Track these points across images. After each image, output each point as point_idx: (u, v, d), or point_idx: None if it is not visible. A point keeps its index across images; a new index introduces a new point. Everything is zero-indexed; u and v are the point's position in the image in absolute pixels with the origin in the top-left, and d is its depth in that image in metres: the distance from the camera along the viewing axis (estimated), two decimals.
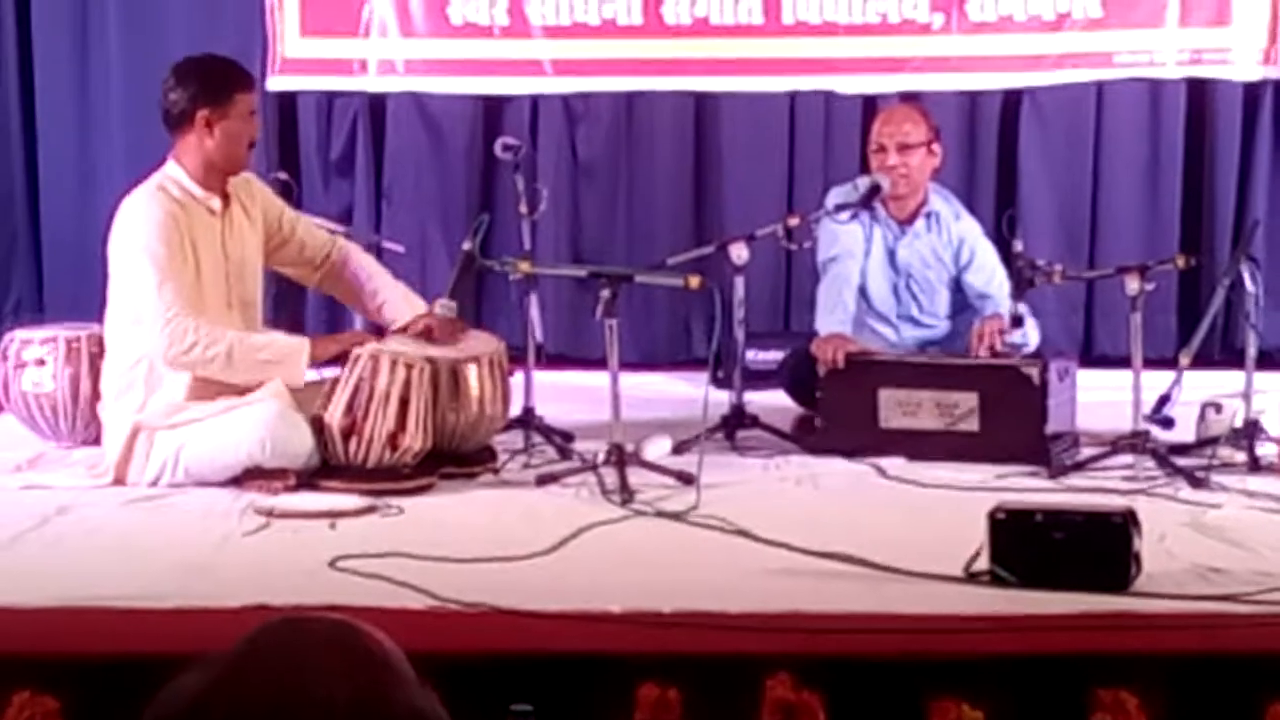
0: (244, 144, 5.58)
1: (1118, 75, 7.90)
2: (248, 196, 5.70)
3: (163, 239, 5.38)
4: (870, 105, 7.70)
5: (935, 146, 6.37)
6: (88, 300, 6.86)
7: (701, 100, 8.02)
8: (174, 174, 5.53)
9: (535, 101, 8.01)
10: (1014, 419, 5.73)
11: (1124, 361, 5.76)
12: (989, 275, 6.38)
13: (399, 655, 1.57)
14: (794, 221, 6.37)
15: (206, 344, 5.35)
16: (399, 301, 5.81)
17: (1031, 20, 7.85)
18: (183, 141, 5.53)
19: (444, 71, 7.99)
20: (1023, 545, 4.23)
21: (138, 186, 5.54)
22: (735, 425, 6.05)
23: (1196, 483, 5.35)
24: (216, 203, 5.56)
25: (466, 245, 5.94)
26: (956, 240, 6.41)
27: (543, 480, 5.47)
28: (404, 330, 5.66)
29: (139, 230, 5.41)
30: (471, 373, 5.54)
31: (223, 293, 5.54)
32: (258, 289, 5.72)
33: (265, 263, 5.80)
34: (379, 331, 5.74)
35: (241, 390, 5.46)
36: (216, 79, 5.57)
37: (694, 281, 5.52)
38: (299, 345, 5.51)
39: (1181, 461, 5.54)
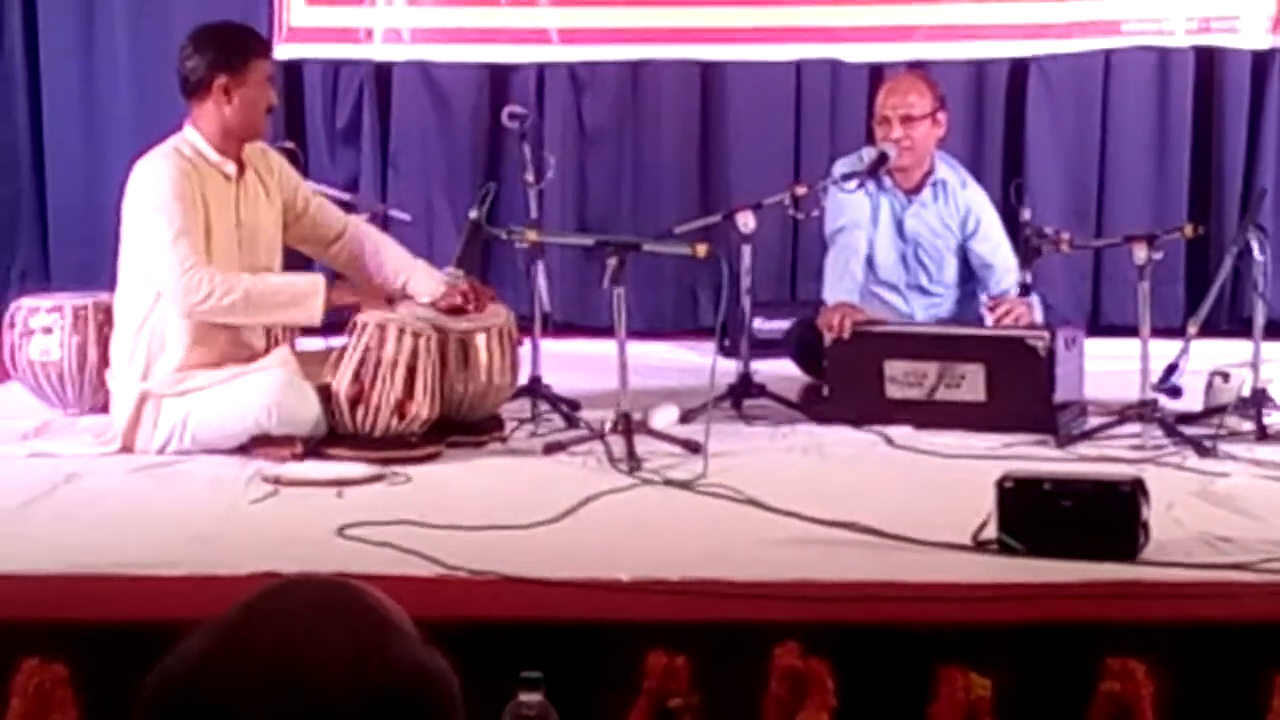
0: (261, 110, 5.56)
1: (1126, 43, 7.88)
2: (265, 168, 5.68)
3: (176, 194, 5.35)
4: (877, 74, 7.68)
5: (940, 116, 6.36)
6: (94, 269, 6.87)
7: (708, 69, 8.01)
8: (191, 138, 5.51)
9: (541, 70, 7.99)
10: (1021, 388, 5.72)
11: (1132, 330, 5.76)
12: (994, 245, 6.37)
13: (399, 611, 1.57)
14: (801, 190, 6.37)
15: (223, 292, 5.34)
16: (423, 276, 5.73)
17: None
18: (200, 108, 5.50)
19: (450, 40, 7.97)
20: (1031, 514, 4.22)
21: (151, 149, 5.53)
22: (742, 394, 6.05)
23: (1204, 451, 5.35)
24: (232, 168, 5.54)
25: (473, 214, 5.93)
26: (963, 209, 6.40)
27: (550, 449, 5.47)
28: (433, 305, 5.62)
29: (152, 188, 5.39)
30: (480, 342, 5.54)
31: (233, 258, 5.49)
32: (274, 261, 5.66)
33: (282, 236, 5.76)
34: (390, 301, 5.70)
35: (248, 357, 5.46)
36: (234, 46, 5.54)
37: (701, 250, 5.52)
38: (314, 285, 5.48)
39: (1189, 430, 5.53)
